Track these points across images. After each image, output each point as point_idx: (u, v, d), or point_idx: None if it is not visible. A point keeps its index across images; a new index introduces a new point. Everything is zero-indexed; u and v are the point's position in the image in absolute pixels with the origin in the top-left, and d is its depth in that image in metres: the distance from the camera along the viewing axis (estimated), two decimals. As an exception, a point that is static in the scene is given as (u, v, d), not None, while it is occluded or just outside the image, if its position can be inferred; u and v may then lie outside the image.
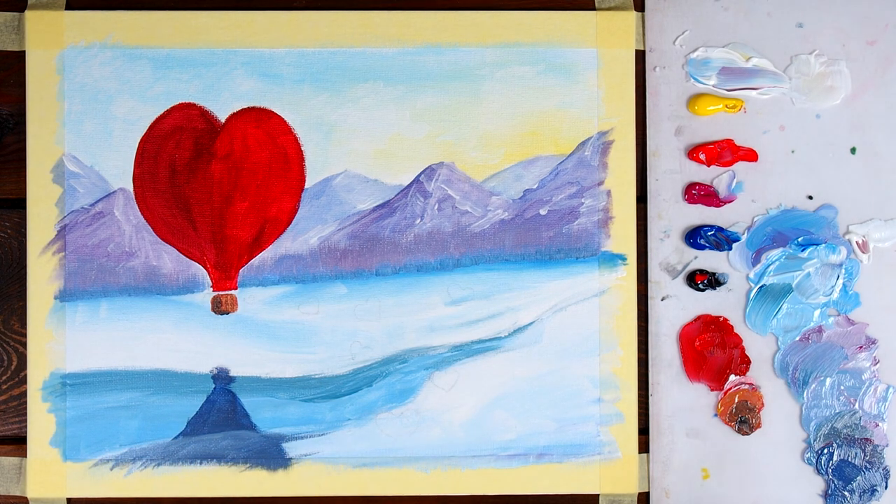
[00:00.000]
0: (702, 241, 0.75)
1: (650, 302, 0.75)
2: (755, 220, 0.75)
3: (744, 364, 0.75)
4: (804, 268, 0.75)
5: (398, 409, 0.74)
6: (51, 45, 0.73)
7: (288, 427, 0.74)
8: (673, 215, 0.75)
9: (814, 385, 0.75)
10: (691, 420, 0.75)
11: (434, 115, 0.74)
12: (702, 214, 0.75)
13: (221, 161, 0.74)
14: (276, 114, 0.74)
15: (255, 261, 0.74)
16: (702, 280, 0.75)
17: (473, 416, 0.74)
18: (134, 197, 0.74)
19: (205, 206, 0.74)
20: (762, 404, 0.75)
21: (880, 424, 0.75)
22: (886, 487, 0.75)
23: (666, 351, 0.75)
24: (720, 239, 0.75)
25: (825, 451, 0.75)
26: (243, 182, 0.74)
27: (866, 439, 0.75)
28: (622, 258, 0.74)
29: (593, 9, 0.75)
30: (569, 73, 0.74)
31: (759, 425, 0.75)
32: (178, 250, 0.74)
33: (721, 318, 0.75)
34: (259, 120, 0.74)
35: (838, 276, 0.75)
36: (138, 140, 0.74)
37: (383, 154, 0.74)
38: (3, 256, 0.75)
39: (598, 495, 0.75)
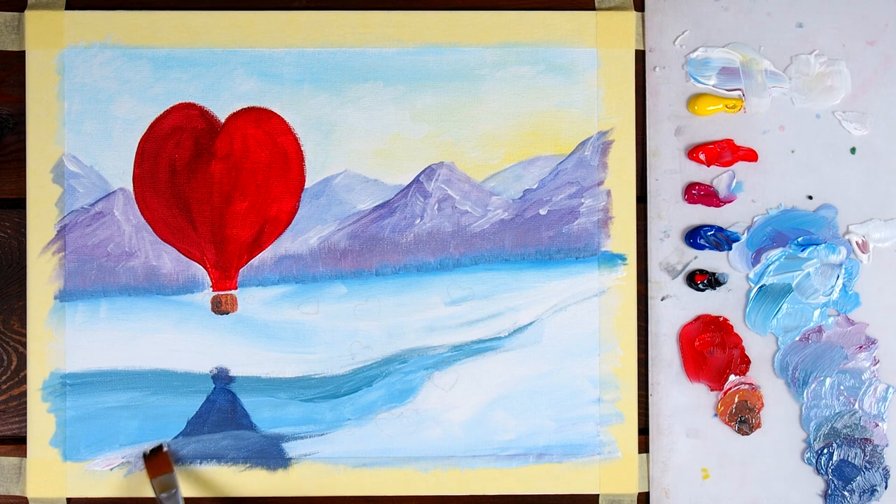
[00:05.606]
0: (702, 241, 0.75)
1: (650, 302, 0.75)
2: (755, 220, 0.75)
3: (744, 364, 0.75)
4: (804, 268, 0.75)
5: (398, 409, 0.74)
6: (51, 45, 0.73)
7: (288, 427, 0.74)
8: (673, 215, 0.75)
9: (814, 385, 0.75)
10: (691, 420, 0.75)
11: (434, 115, 0.74)
12: (702, 214, 0.75)
13: (221, 161, 0.74)
14: (276, 114, 0.74)
15: (255, 261, 0.74)
16: (702, 280, 0.75)
17: (473, 416, 0.74)
18: (134, 197, 0.74)
19: (205, 206, 0.74)
20: (762, 404, 0.75)
21: (880, 424, 0.75)
22: (886, 487, 0.75)
23: (666, 351, 0.75)
24: (720, 239, 0.75)
25: (825, 451, 0.75)
26: (243, 182, 0.74)
27: (866, 439, 0.75)
28: (622, 258, 0.74)
29: (593, 9, 0.75)
30: (569, 73, 0.74)
31: (759, 425, 0.75)
32: (178, 250, 0.74)
33: (721, 318, 0.75)
34: (259, 120, 0.74)
35: (838, 276, 0.75)
36: (138, 140, 0.74)
37: (383, 154, 0.74)
38: (3, 256, 0.75)
39: (597, 495, 0.75)
